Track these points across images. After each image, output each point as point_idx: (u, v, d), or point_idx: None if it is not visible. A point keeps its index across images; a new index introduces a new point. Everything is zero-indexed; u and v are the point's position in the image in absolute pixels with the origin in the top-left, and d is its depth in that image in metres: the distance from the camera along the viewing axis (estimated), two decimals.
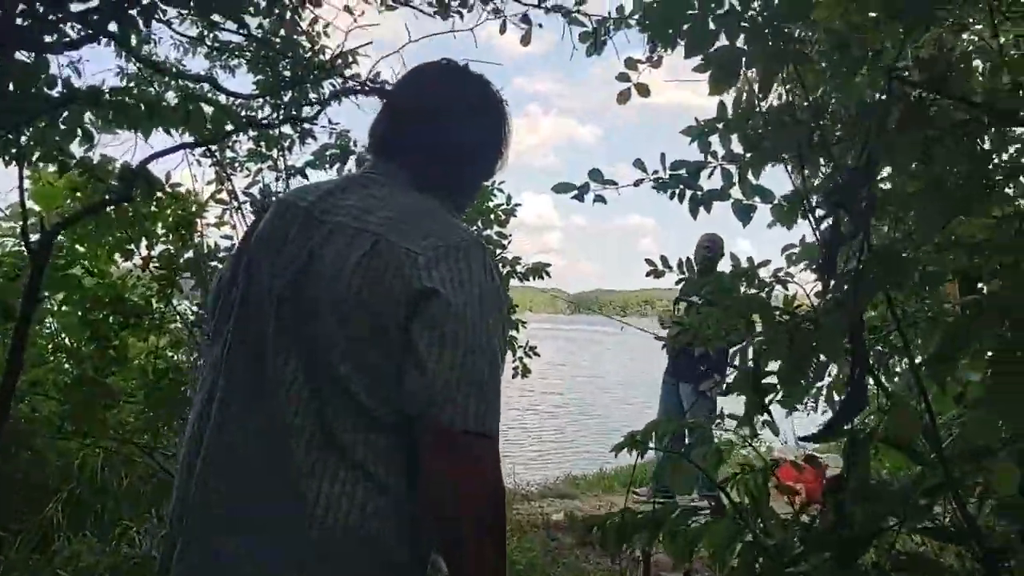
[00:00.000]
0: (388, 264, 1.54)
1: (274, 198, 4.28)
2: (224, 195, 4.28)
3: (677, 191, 2.47)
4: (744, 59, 2.11)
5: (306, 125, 3.89)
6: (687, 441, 2.07)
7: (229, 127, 3.18)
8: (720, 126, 2.39)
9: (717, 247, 6.88)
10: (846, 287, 1.68)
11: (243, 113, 4.09)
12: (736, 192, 2.41)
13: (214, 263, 4.08)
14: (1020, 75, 1.71)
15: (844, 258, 2.00)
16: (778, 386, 1.92)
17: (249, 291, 1.67)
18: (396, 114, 1.81)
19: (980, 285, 2.11)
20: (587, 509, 7.75)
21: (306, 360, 1.56)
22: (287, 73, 3.72)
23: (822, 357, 1.92)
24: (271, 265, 1.65)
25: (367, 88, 3.60)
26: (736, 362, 2.62)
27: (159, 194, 3.80)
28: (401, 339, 1.51)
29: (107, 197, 2.82)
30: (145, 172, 2.37)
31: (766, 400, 2.08)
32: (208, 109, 2.78)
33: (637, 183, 2.45)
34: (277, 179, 4.32)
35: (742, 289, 2.44)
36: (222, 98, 4.09)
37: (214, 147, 4.16)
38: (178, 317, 4.00)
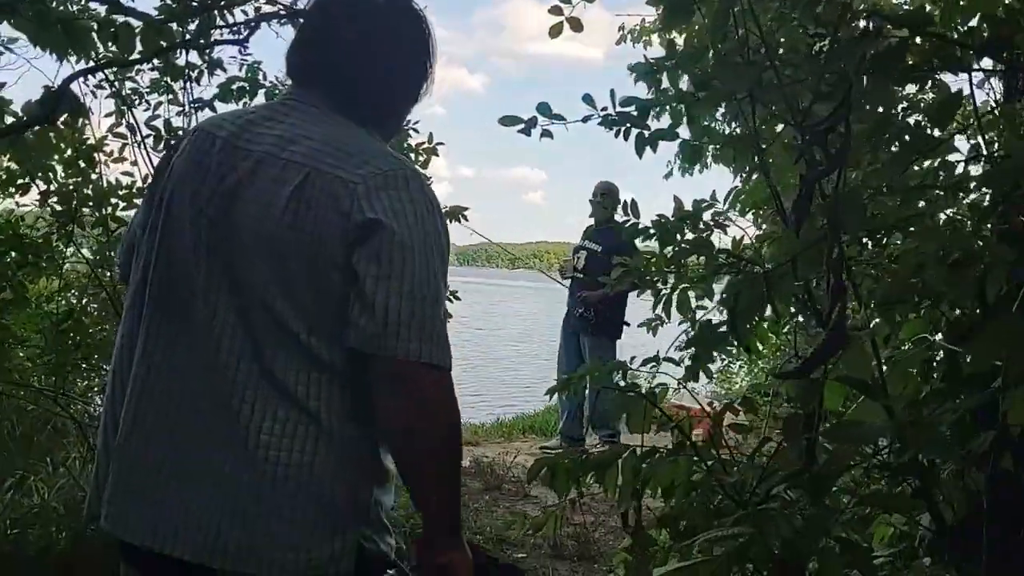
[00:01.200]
0: (323, 196, 1.49)
1: (180, 132, 4.08)
2: (123, 128, 4.04)
3: (623, 129, 2.43)
4: None
5: (216, 55, 3.68)
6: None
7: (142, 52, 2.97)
8: (670, 64, 2.36)
9: (614, 195, 6.96)
10: (823, 224, 1.68)
11: None
12: (684, 132, 2.40)
13: (115, 200, 3.87)
14: (988, 10, 1.72)
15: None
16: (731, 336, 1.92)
17: (170, 227, 1.60)
18: (314, 39, 1.72)
19: None
20: (492, 456, 7.78)
21: (239, 299, 1.52)
22: None
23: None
24: (193, 198, 1.58)
25: (288, 13, 3.42)
26: (659, 311, 2.63)
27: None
28: (342, 273, 1.48)
29: (24, 119, 2.60)
30: (69, 93, 2.18)
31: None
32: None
33: (586, 119, 2.39)
34: (179, 113, 4.10)
35: (688, 234, 2.44)
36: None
37: (112, 77, 3.92)
38: (80, 256, 3.77)
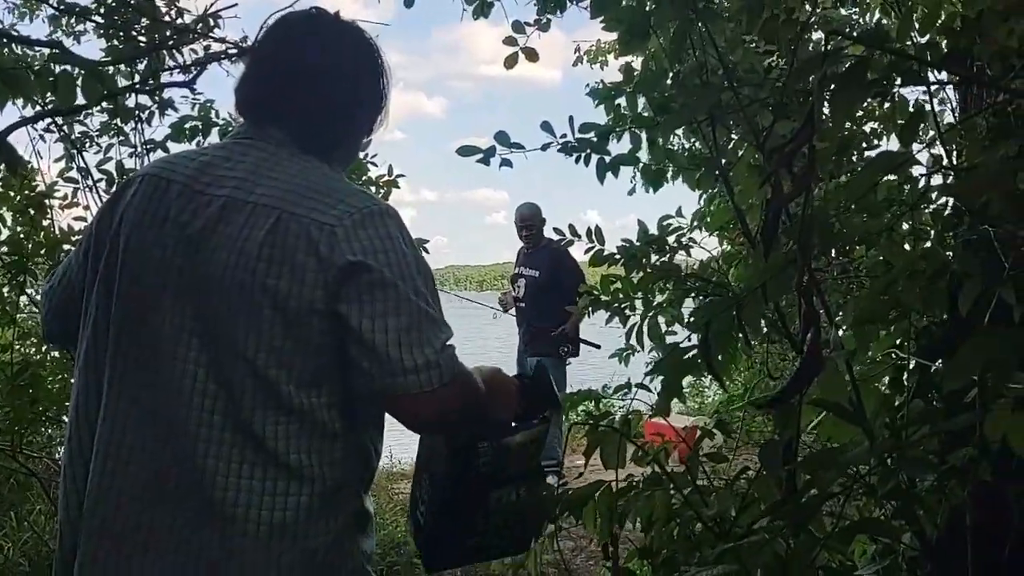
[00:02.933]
0: (297, 240, 1.45)
1: (129, 175, 4.00)
2: (75, 173, 3.95)
3: (583, 155, 2.40)
4: (653, 19, 2.06)
5: (167, 95, 3.61)
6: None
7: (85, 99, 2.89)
8: (627, 88, 2.34)
9: (537, 217, 6.90)
10: (790, 246, 1.64)
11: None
12: (645, 155, 2.38)
13: (68, 247, 3.77)
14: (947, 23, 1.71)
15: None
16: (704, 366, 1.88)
17: (129, 277, 1.53)
18: (267, 73, 1.65)
19: None
20: None
21: (210, 351, 1.45)
22: (143, 39, 3.43)
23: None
24: (153, 246, 1.51)
25: (236, 52, 3.36)
26: (632, 340, 2.59)
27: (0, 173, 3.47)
28: (322, 318, 1.44)
29: None
30: (6, 145, 2.11)
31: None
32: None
33: (544, 147, 2.36)
34: (132, 155, 4.02)
35: (654, 258, 2.41)
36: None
37: (60, 121, 3.83)
38: (33, 307, 3.66)
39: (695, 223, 2.54)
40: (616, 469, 2.04)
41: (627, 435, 1.87)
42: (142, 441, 1.47)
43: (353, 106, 1.68)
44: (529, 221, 6.86)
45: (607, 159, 2.39)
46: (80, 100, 2.43)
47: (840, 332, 2.28)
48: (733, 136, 2.32)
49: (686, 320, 2.36)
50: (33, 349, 4.05)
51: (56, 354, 3.92)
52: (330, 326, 1.45)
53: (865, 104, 2.57)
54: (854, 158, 2.06)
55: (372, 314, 1.44)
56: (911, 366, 1.94)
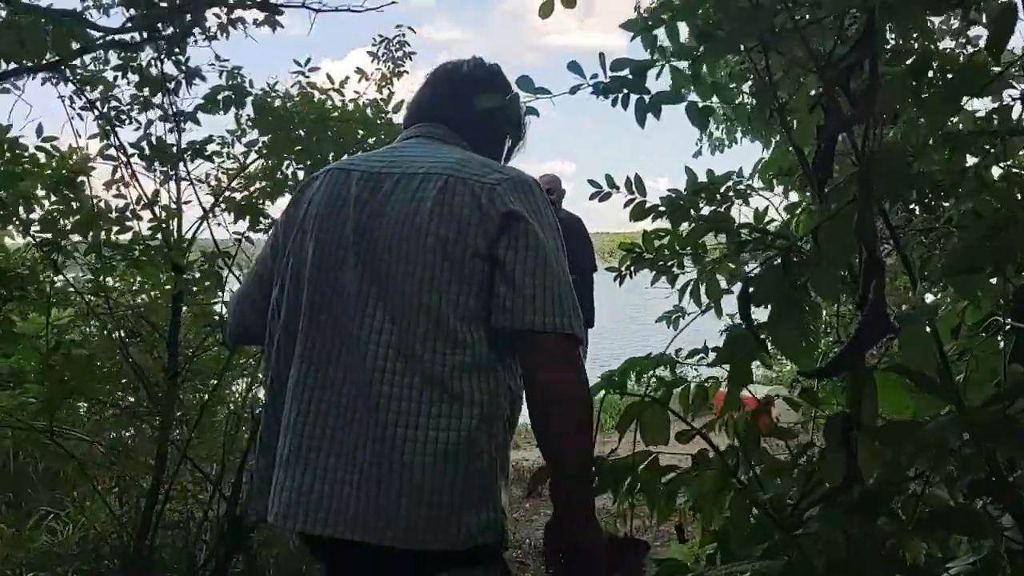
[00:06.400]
0: (463, 196, 1.76)
1: (173, 149, 3.87)
2: (113, 151, 3.82)
3: (620, 96, 2.13)
4: None
5: (194, 64, 3.45)
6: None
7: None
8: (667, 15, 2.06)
9: (557, 186, 6.64)
10: (850, 188, 1.37)
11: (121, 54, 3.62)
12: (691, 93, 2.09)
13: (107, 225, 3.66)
14: None
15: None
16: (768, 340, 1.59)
17: (320, 251, 1.84)
18: (440, 91, 2.08)
19: None
20: (533, 460, 7.47)
21: (388, 300, 1.74)
22: (164, 4, 3.27)
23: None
24: (339, 222, 1.83)
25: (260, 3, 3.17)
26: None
27: (33, 150, 3.36)
28: (484, 261, 1.74)
29: None
30: None
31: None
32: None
33: (573, 90, 2.10)
34: (171, 130, 3.86)
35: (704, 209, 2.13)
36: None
37: (94, 97, 3.70)
38: (71, 286, 3.55)
39: (755, 172, 2.24)
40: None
41: (664, 403, 1.62)
42: (334, 384, 1.77)
43: (498, 121, 2.05)
44: (548, 188, 6.71)
45: (646, 99, 2.11)
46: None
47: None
48: (789, 65, 2.02)
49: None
50: (72, 333, 3.94)
51: (102, 334, 3.83)
52: (488, 269, 1.74)
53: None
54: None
55: (523, 259, 1.72)
56: (1007, 328, 1.63)
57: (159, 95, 3.54)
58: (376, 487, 1.68)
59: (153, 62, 3.45)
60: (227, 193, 3.84)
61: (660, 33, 2.13)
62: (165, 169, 3.83)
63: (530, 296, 1.69)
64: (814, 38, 1.97)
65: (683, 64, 2.06)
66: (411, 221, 1.76)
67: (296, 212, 1.95)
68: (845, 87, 1.37)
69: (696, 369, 2.32)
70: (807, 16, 1.96)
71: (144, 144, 3.62)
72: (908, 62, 1.70)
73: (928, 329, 1.54)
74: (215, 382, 3.86)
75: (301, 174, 3.65)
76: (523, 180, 1.84)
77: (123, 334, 3.80)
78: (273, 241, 2.03)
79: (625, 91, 2.13)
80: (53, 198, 3.49)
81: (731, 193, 2.22)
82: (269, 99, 3.87)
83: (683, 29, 2.06)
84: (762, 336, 1.44)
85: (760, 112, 2.00)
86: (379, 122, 3.70)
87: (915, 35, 2.21)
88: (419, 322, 1.71)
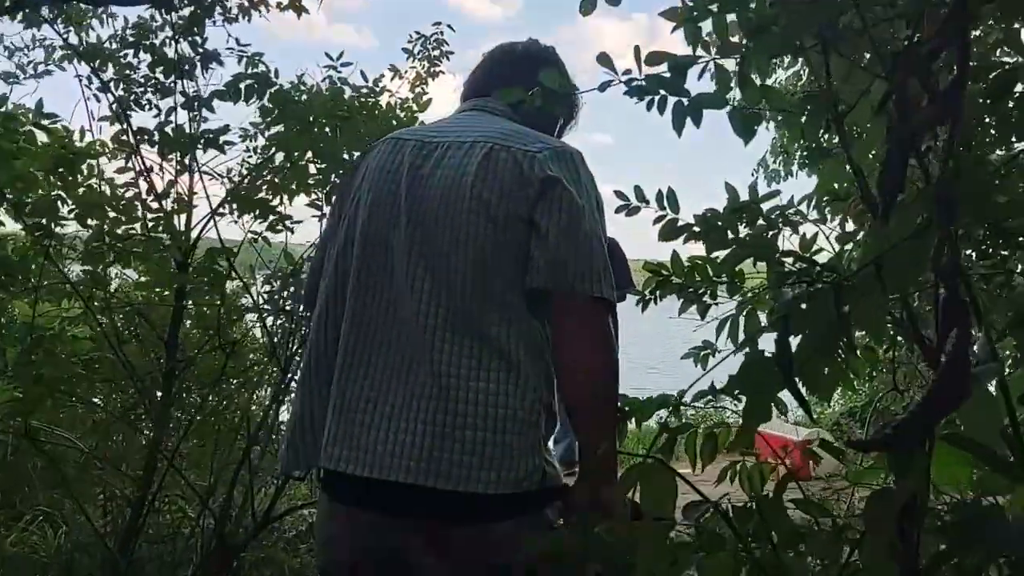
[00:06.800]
0: (507, 162, 1.84)
1: (197, 136, 3.65)
2: (127, 137, 3.61)
3: (657, 98, 1.85)
4: None
5: (211, 47, 3.22)
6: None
7: None
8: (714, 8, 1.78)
9: None
10: (917, 209, 1.07)
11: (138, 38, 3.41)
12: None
13: (113, 214, 3.44)
14: None
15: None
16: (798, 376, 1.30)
17: (372, 213, 1.93)
18: (495, 68, 2.19)
19: None
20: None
21: (434, 259, 1.82)
22: None
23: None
24: (390, 187, 1.92)
25: None
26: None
27: (29, 127, 3.15)
28: (524, 224, 1.80)
29: None
30: None
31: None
32: None
33: (603, 87, 1.82)
34: (192, 118, 3.64)
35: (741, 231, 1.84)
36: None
37: (107, 78, 3.50)
38: (64, 276, 3.33)
39: (807, 198, 1.95)
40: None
41: (674, 472, 1.32)
42: (381, 334, 1.85)
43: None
44: None
45: (686, 101, 1.83)
46: None
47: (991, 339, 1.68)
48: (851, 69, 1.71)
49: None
50: (81, 327, 3.72)
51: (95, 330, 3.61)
52: (527, 232, 1.81)
53: None
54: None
55: (558, 222, 1.78)
56: None
57: (172, 77, 3.30)
58: (430, 437, 1.75)
59: (168, 42, 3.23)
60: (242, 191, 3.60)
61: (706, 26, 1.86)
62: (183, 160, 3.62)
63: (562, 258, 1.75)
64: (884, 40, 1.69)
65: (730, 63, 1.77)
66: (456, 185, 1.84)
67: (353, 180, 2.07)
68: (924, 81, 1.07)
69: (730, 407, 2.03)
70: (878, 12, 1.67)
71: (155, 130, 3.38)
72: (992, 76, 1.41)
73: (994, 390, 1.24)
74: (207, 390, 3.61)
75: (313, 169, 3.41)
76: (565, 149, 1.90)
77: (120, 331, 3.57)
78: (334, 210, 2.17)
79: (662, 92, 1.86)
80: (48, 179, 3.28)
81: (777, 217, 1.92)
82: (295, 93, 3.63)
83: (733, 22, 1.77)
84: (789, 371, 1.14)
85: (815, 121, 1.70)
86: (407, 120, 3.43)
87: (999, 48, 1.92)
88: (464, 283, 1.80)
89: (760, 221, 1.81)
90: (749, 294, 1.84)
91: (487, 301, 1.78)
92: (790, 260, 1.72)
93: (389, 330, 1.85)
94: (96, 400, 3.65)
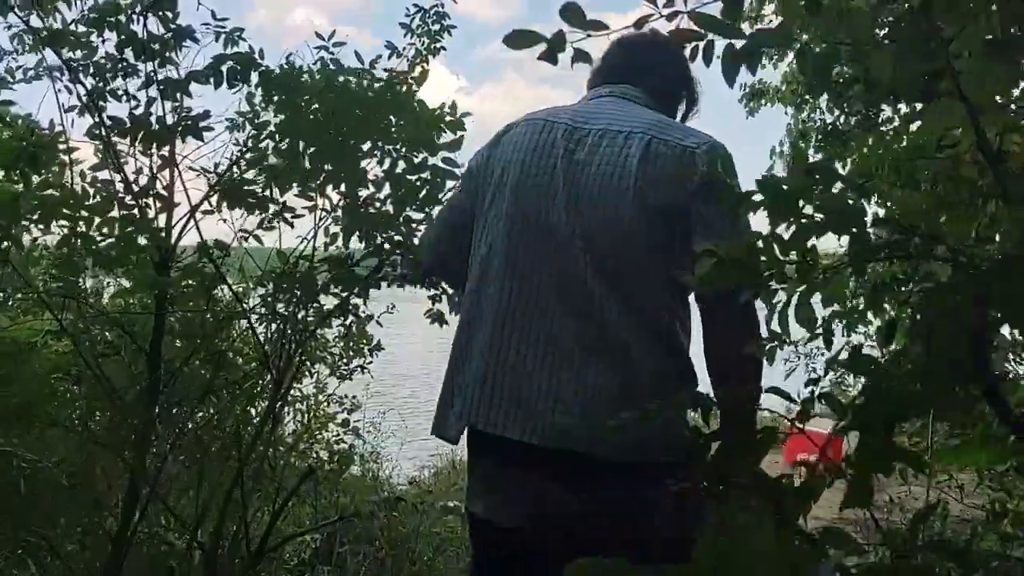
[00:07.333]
0: (666, 156, 2.02)
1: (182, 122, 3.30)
2: (102, 130, 3.27)
3: (703, 42, 1.50)
4: None
5: (184, 22, 2.88)
6: None
7: None
8: None
9: None
10: None
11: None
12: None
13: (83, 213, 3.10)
14: None
15: None
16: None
17: (525, 193, 2.10)
18: (629, 57, 2.33)
19: None
20: None
21: (596, 244, 2.00)
22: None
23: None
24: (544, 173, 2.08)
25: None
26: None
27: None
28: (683, 217, 1.99)
29: None
30: None
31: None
32: None
33: (639, 22, 1.47)
34: (171, 108, 3.29)
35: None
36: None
37: (76, 65, 3.16)
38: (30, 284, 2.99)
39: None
40: None
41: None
42: (540, 308, 2.02)
43: (679, 85, 2.37)
44: None
45: (738, 45, 1.48)
46: None
47: None
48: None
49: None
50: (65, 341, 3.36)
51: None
52: (685, 223, 1.98)
53: None
54: None
55: (721, 212, 1.94)
56: None
57: (144, 59, 2.95)
58: (595, 407, 1.91)
59: (136, 19, 2.89)
60: (230, 182, 3.25)
61: None
62: (161, 152, 3.28)
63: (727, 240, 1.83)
64: None
65: None
66: (618, 174, 1.99)
67: (494, 155, 2.23)
68: None
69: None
70: None
71: (127, 118, 3.04)
72: None
73: None
74: (194, 405, 3.26)
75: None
76: (718, 144, 2.05)
77: (97, 344, 3.23)
78: (469, 182, 2.35)
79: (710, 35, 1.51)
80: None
81: (857, 183, 1.56)
82: (276, 72, 3.27)
83: None
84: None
85: (910, 56, 1.34)
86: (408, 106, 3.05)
87: None
88: (623, 269, 1.97)
89: (839, 185, 1.45)
90: (822, 275, 1.48)
91: (648, 285, 1.98)
92: (884, 230, 1.37)
93: (555, 307, 2.00)
94: (67, 424, 3.29)
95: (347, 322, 3.70)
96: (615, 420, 1.75)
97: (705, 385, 2.03)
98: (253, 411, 3.74)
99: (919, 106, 2.27)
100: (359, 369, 5.08)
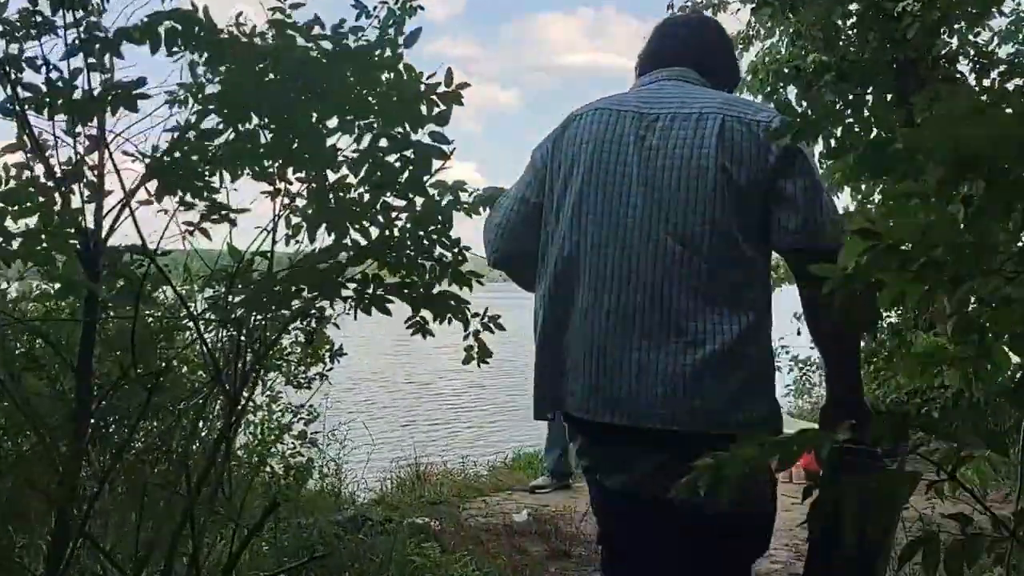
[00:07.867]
0: (742, 133, 2.08)
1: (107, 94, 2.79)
2: (15, 104, 2.75)
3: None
4: None
5: None
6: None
7: None
8: None
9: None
10: None
11: None
12: None
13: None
14: None
15: None
16: None
17: (599, 178, 2.16)
18: (683, 41, 2.43)
19: None
20: (554, 505, 6.46)
21: (676, 224, 2.05)
22: None
23: None
24: (618, 161, 2.14)
25: None
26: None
27: None
28: (764, 190, 2.07)
29: None
30: None
31: None
32: None
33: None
34: (105, 80, 2.79)
35: None
36: None
37: None
38: None
39: None
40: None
41: None
42: (625, 292, 2.08)
43: (728, 64, 2.53)
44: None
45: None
46: None
47: None
48: None
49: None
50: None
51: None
52: (766, 196, 2.08)
53: None
54: None
55: (804, 187, 2.05)
56: None
57: (60, 12, 2.46)
58: (673, 387, 2.01)
59: None
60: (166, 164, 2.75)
61: None
62: (91, 132, 2.78)
63: (812, 219, 2.02)
64: None
65: None
66: (696, 155, 2.06)
67: (562, 144, 2.27)
68: None
69: None
70: None
71: (43, 85, 2.54)
72: None
73: None
74: (127, 429, 2.77)
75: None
76: (782, 118, 2.03)
77: (13, 358, 2.73)
78: (535, 173, 2.36)
79: None
80: None
81: None
82: (225, 34, 2.78)
83: None
84: None
85: None
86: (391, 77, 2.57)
87: None
88: (708, 240, 2.03)
89: None
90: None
91: (733, 262, 2.04)
92: None
93: (636, 293, 2.06)
94: None
95: (307, 326, 3.28)
96: (714, 396, 2.00)
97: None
98: (202, 430, 3.24)
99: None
100: (318, 377, 4.63)
